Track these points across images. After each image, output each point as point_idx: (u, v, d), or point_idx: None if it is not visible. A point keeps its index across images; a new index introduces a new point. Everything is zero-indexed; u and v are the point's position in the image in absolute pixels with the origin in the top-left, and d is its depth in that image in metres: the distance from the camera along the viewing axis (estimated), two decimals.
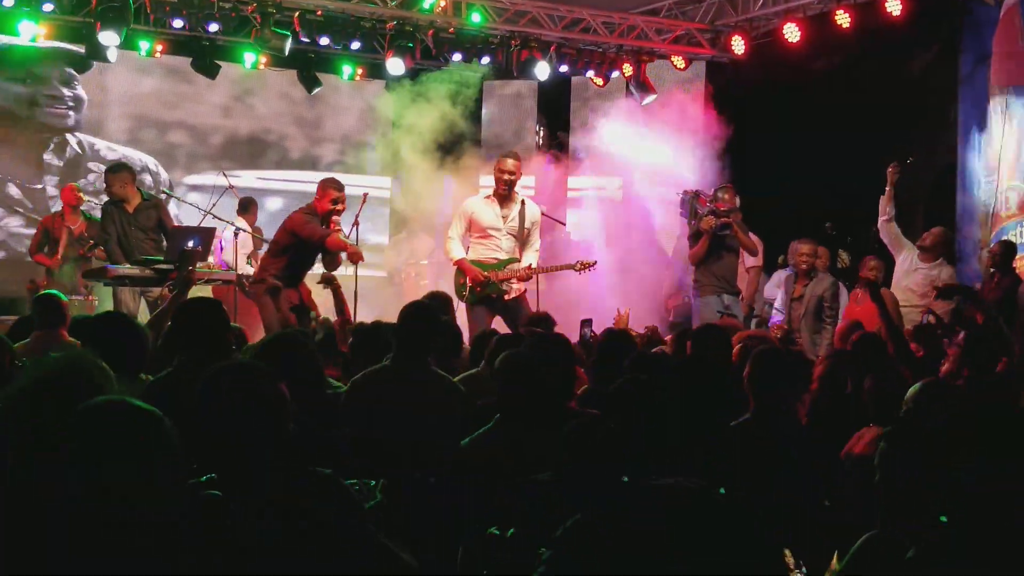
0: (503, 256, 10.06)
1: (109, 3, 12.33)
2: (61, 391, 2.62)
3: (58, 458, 2.25)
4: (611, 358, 6.20)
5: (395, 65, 13.77)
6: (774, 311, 11.90)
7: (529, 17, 14.31)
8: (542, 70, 14.36)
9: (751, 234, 11.57)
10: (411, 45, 13.74)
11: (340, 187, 9.87)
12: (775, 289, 12.34)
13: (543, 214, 10.82)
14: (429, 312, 5.95)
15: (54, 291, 7.15)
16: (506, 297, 10.04)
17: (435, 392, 5.63)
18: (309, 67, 15.34)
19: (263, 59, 14.70)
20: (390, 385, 5.55)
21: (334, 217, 9.72)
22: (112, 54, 13.70)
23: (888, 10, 12.04)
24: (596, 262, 10.61)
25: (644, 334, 8.73)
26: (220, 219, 12.52)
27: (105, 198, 11.30)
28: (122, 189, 10.89)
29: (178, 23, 13.41)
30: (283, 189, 16.68)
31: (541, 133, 16.59)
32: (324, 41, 13.92)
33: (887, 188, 10.89)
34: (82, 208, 12.42)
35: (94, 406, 2.30)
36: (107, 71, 15.45)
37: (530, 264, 10.14)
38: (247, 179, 16.10)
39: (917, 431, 3.56)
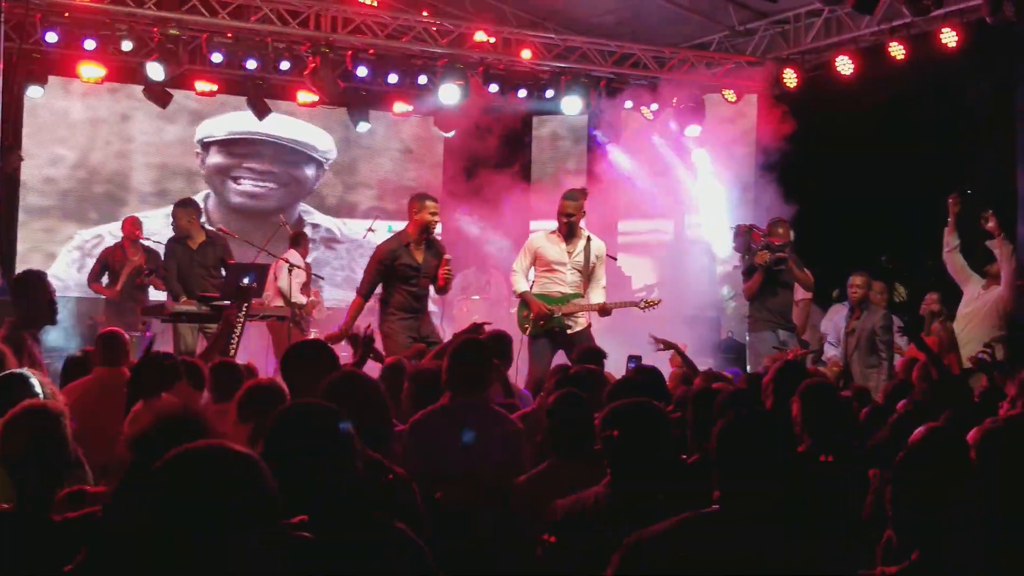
0: (568, 291, 10.00)
1: (166, 42, 12.57)
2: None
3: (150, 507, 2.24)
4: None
5: (449, 93, 13.81)
6: (827, 344, 11.81)
7: (579, 53, 14.37)
8: (572, 104, 14.52)
9: (805, 269, 11.49)
10: (462, 81, 13.83)
11: (432, 198, 9.86)
12: (830, 324, 12.27)
13: None
14: (481, 348, 5.92)
15: (117, 329, 7.19)
16: (569, 332, 9.98)
17: (493, 430, 5.61)
18: (360, 104, 15.47)
19: (315, 97, 14.81)
20: (447, 424, 5.53)
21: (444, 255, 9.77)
22: (166, 99, 14.03)
23: (943, 42, 11.96)
24: (660, 300, 10.56)
25: (681, 371, 8.65)
26: (273, 255, 12.60)
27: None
28: (189, 225, 11.09)
29: (233, 62, 13.52)
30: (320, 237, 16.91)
31: (589, 168, 16.58)
32: (376, 79, 14.03)
33: (949, 219, 10.80)
34: (141, 242, 12.54)
35: (188, 452, 2.29)
36: (133, 121, 15.78)
37: (602, 303, 10.07)
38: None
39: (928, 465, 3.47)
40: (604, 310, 10.04)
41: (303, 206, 17.07)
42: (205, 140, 16.41)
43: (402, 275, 9.62)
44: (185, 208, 11.31)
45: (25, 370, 4.93)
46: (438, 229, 10.21)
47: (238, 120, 16.15)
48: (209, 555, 2.18)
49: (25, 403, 3.95)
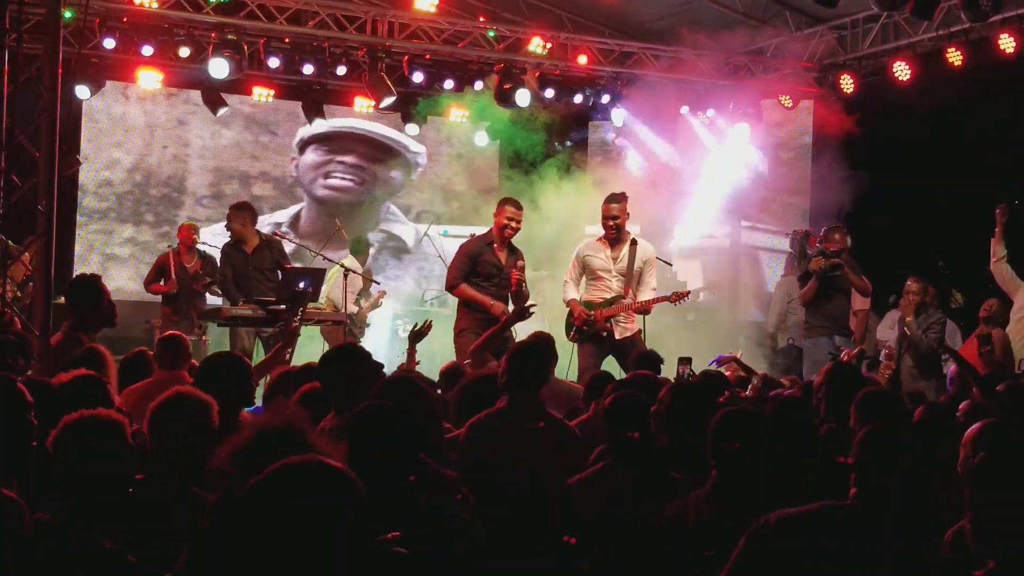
0: (610, 295, 10.02)
1: (223, 48, 12.66)
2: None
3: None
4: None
5: (522, 97, 13.83)
6: (883, 351, 11.72)
7: (635, 58, 14.34)
8: (619, 115, 14.59)
9: (863, 275, 11.39)
10: (519, 86, 13.84)
11: (518, 206, 9.93)
12: (887, 331, 12.16)
13: None
14: (538, 350, 5.91)
15: (177, 333, 7.23)
16: (617, 337, 9.96)
17: (550, 437, 5.61)
18: (415, 108, 15.51)
19: (371, 102, 14.82)
20: (505, 430, 5.53)
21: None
22: (223, 109, 14.21)
23: (1001, 47, 11.85)
24: (689, 292, 10.54)
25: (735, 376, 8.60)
26: (330, 260, 12.66)
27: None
28: (242, 228, 11.15)
29: (289, 67, 13.57)
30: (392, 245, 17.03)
31: (644, 172, 16.50)
32: (432, 84, 14.03)
33: (996, 229, 10.67)
34: (197, 247, 12.61)
35: (283, 467, 2.30)
36: (189, 126, 15.97)
37: (637, 301, 10.06)
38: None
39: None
40: (640, 309, 10.02)
41: (392, 210, 17.25)
42: (304, 139, 16.63)
43: (485, 273, 9.74)
44: (239, 212, 11.37)
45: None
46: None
47: (337, 119, 16.45)
48: (305, 569, 2.19)
49: (84, 412, 3.97)
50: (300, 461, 2.29)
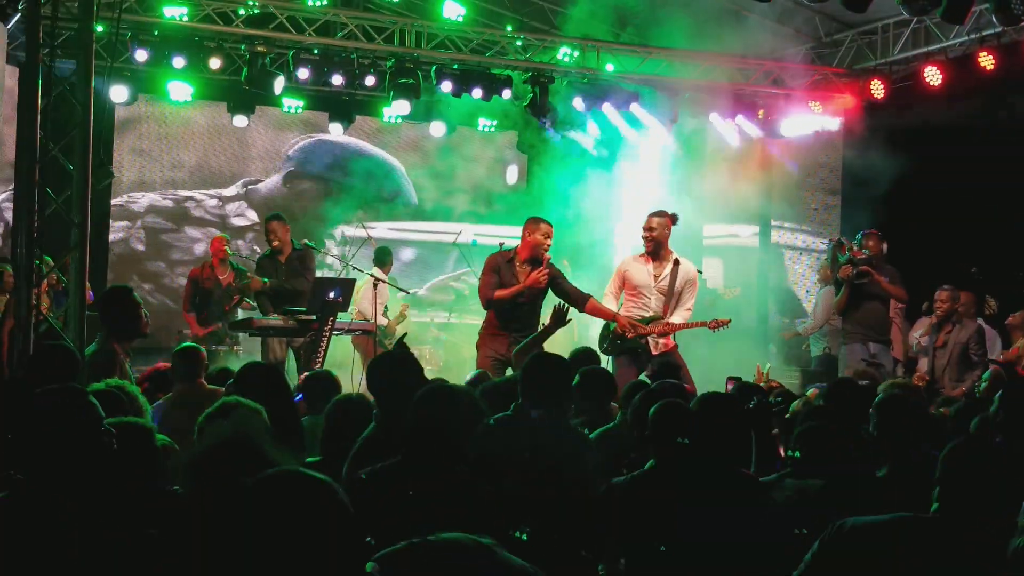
0: (648, 314, 9.95)
1: (254, 60, 12.80)
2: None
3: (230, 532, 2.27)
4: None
5: (551, 109, 13.93)
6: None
7: (663, 66, 14.31)
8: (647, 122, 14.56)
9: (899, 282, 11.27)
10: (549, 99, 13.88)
11: (550, 224, 9.80)
12: (915, 336, 12.11)
13: None
14: (553, 364, 5.87)
15: (191, 343, 7.30)
16: (653, 352, 9.87)
17: (564, 443, 5.59)
18: (444, 117, 15.55)
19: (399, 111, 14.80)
20: (516, 435, 5.51)
21: (546, 255, 9.67)
22: (242, 120, 14.35)
23: None
24: (730, 320, 10.36)
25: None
26: (359, 270, 12.69)
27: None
28: (279, 237, 11.26)
29: (318, 78, 13.59)
30: (416, 240, 17.02)
31: (673, 175, 16.45)
32: (460, 93, 14.01)
33: None
34: (231, 260, 12.64)
35: (269, 478, 2.32)
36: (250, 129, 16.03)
37: (668, 321, 9.95)
38: (380, 230, 16.32)
39: None
40: (664, 331, 9.88)
41: None
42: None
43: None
44: (280, 221, 11.50)
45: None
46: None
47: None
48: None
49: (115, 420, 3.99)
50: (282, 474, 2.32)
